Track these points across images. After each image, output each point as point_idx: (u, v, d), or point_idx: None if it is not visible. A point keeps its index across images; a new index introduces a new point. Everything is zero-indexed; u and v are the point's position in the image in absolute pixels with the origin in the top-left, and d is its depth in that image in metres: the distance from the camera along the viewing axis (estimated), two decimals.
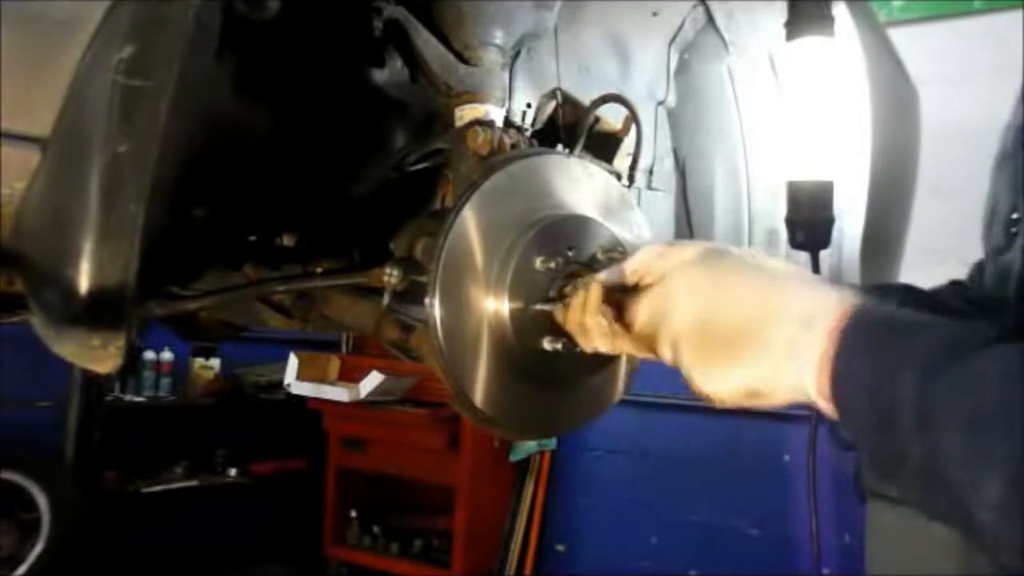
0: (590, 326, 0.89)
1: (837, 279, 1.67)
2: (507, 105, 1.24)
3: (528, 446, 4.42)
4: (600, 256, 1.00)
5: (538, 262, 0.98)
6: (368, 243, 1.26)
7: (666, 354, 0.80)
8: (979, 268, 0.99)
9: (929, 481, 0.61)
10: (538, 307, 0.97)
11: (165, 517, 4.61)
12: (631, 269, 0.87)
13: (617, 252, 1.01)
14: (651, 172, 1.59)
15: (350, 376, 4.52)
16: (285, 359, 4.49)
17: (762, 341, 0.72)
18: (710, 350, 0.75)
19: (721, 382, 0.75)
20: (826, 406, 0.69)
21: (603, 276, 0.90)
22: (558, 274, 0.98)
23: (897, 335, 0.65)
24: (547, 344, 0.96)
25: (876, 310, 0.69)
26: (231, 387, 5.13)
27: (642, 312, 0.83)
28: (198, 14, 0.91)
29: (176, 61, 0.89)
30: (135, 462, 4.66)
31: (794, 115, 1.55)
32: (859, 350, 0.66)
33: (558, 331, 0.96)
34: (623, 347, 0.88)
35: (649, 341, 0.83)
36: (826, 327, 0.68)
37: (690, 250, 0.82)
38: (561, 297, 0.97)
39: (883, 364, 0.64)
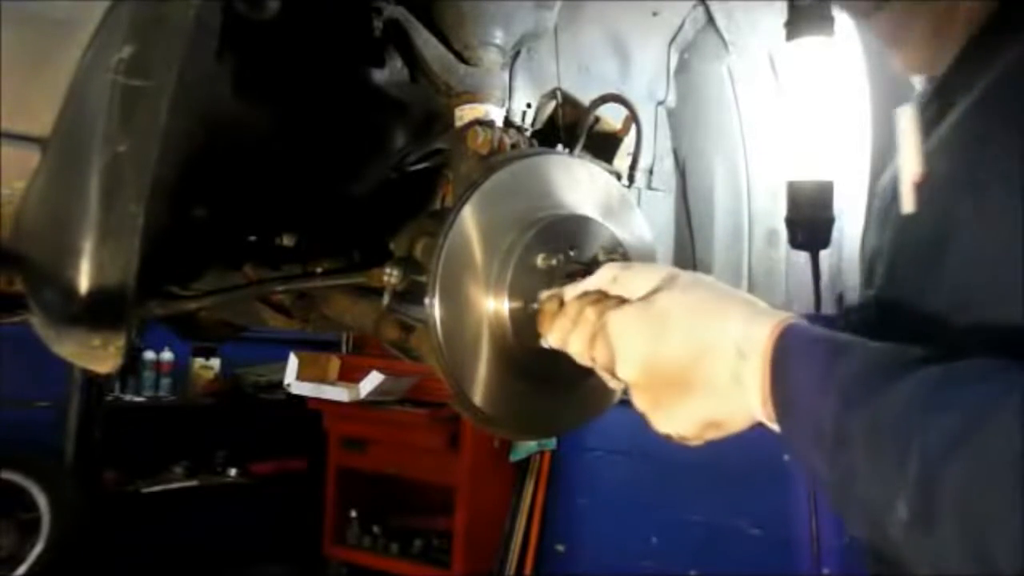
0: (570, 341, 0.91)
1: (836, 279, 1.67)
2: (507, 105, 1.24)
3: (528, 446, 4.42)
4: (601, 257, 1.00)
5: (539, 259, 0.98)
6: (368, 243, 1.26)
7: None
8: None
9: (847, 500, 0.65)
10: (535, 307, 0.97)
11: (165, 517, 4.61)
12: (585, 290, 0.90)
13: (617, 253, 1.01)
14: (651, 172, 1.60)
15: (350, 376, 4.52)
16: (285, 359, 4.49)
17: (706, 376, 0.75)
18: (659, 393, 0.78)
19: (678, 421, 0.78)
20: (771, 421, 0.72)
21: (567, 292, 0.92)
22: (558, 274, 0.98)
23: (819, 362, 0.68)
24: (544, 342, 0.96)
25: (802, 334, 0.72)
26: (231, 387, 5.14)
27: (597, 355, 0.86)
28: (198, 14, 0.91)
29: (176, 61, 0.89)
30: (135, 462, 4.66)
31: (794, 115, 1.55)
32: (790, 380, 0.70)
33: None
34: (599, 371, 0.90)
35: (613, 376, 0.86)
36: (760, 355, 0.71)
37: (640, 280, 0.83)
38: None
39: (810, 393, 0.68)
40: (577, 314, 0.89)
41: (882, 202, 0.89)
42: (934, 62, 0.82)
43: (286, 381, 4.45)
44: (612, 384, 0.90)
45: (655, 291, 0.81)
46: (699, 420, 0.76)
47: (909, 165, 0.78)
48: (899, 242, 0.81)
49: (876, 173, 0.90)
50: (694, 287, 0.80)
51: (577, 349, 0.89)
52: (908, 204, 0.78)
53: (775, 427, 0.72)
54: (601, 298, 0.88)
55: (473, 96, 1.17)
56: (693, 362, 0.75)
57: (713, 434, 0.77)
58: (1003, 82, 0.70)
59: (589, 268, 0.99)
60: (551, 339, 0.93)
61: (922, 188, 0.76)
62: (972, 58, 0.76)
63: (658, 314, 0.79)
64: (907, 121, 0.80)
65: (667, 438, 0.80)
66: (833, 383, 0.66)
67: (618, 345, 0.81)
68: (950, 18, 0.79)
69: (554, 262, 0.98)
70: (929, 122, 0.78)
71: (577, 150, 1.20)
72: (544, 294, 0.96)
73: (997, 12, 0.77)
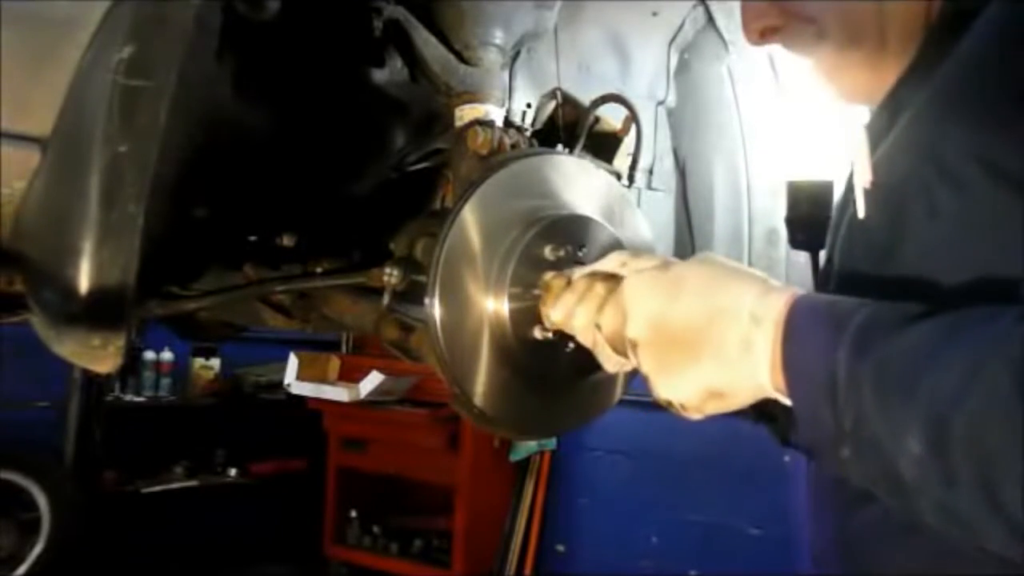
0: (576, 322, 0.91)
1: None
2: (507, 105, 1.24)
3: (528, 446, 4.42)
4: (597, 254, 1.00)
5: (547, 250, 0.98)
6: (368, 243, 1.26)
7: (632, 359, 0.82)
8: None
9: (860, 445, 0.65)
10: (537, 291, 0.97)
11: (165, 517, 4.61)
12: (594, 270, 0.91)
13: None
14: (651, 172, 1.60)
15: (350, 376, 4.52)
16: (285, 359, 4.48)
17: (716, 341, 0.74)
18: (666, 354, 0.78)
19: (681, 386, 0.77)
20: (778, 395, 0.72)
21: (575, 272, 0.93)
22: (564, 266, 0.98)
23: (831, 320, 0.69)
24: (538, 333, 0.96)
25: (815, 300, 0.73)
26: (231, 387, 5.13)
27: (605, 321, 0.86)
28: (198, 14, 0.91)
29: (176, 61, 0.89)
30: (135, 462, 4.66)
31: (794, 115, 1.55)
32: (801, 338, 0.70)
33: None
34: (601, 346, 0.89)
35: (617, 346, 0.86)
36: (773, 320, 0.72)
37: (648, 261, 0.85)
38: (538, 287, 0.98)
39: (821, 348, 0.68)
40: (586, 289, 0.90)
41: (836, 213, 0.93)
42: (873, 91, 0.86)
43: (286, 381, 4.45)
44: (612, 362, 0.89)
45: (669, 263, 0.82)
46: (703, 387, 0.76)
47: (861, 172, 0.81)
48: (849, 247, 0.85)
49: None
50: (709, 261, 0.81)
51: (582, 322, 0.89)
52: (860, 209, 0.81)
53: (781, 398, 0.72)
54: (611, 277, 0.88)
55: (473, 96, 1.17)
56: (705, 324, 0.75)
57: (714, 406, 0.77)
58: (942, 92, 0.74)
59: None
60: (554, 314, 0.93)
61: (873, 193, 0.80)
62: (913, 75, 0.81)
63: (674, 278, 0.80)
64: (857, 133, 0.84)
65: (667, 405, 0.79)
66: (844, 335, 0.66)
67: (630, 304, 0.81)
68: (884, 47, 0.84)
69: (563, 253, 0.98)
70: (879, 133, 0.82)
71: (577, 150, 1.20)
72: (549, 274, 0.96)
73: (931, 35, 0.81)
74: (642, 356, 0.80)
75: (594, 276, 0.91)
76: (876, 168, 0.80)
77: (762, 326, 0.72)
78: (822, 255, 1.52)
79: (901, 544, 0.75)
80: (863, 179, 0.81)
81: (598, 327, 0.88)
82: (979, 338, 0.60)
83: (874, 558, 0.79)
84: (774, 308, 0.72)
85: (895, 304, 0.67)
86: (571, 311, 0.91)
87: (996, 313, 0.61)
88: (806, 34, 0.88)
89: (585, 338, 0.91)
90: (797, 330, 0.71)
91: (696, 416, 0.78)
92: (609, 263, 0.90)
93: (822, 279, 0.93)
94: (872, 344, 0.65)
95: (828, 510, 0.87)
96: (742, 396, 0.75)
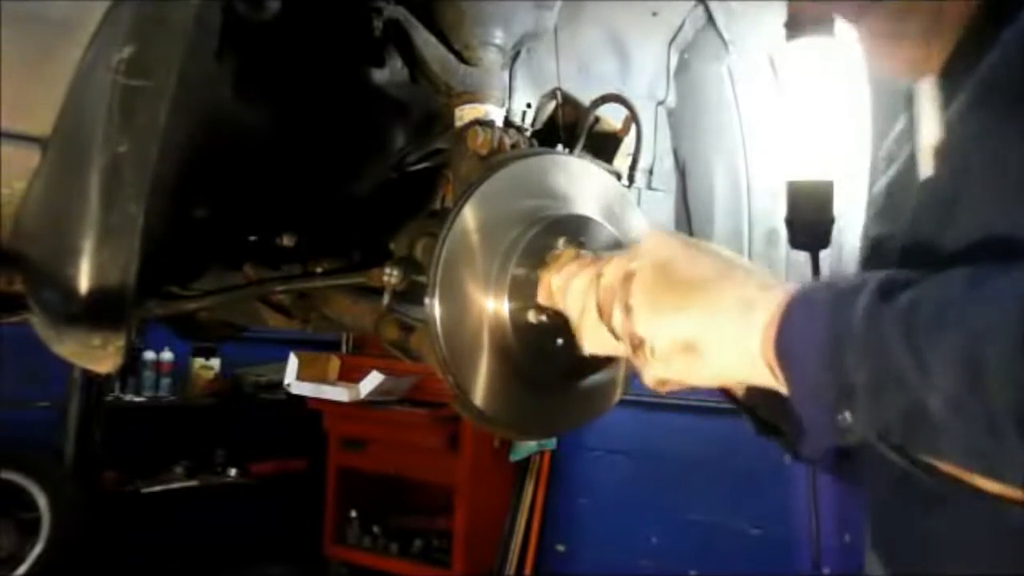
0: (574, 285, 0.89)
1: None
2: (507, 105, 1.24)
3: (528, 446, 4.42)
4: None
5: (560, 242, 0.98)
6: (368, 243, 1.26)
7: (616, 315, 0.79)
8: None
9: (880, 394, 0.62)
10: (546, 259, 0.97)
11: (165, 517, 4.61)
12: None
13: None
14: (651, 172, 1.59)
15: (350, 376, 4.52)
16: (285, 359, 4.48)
17: (715, 294, 0.72)
18: (660, 292, 0.75)
19: (660, 327, 0.74)
20: (762, 370, 0.69)
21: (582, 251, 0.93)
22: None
23: (846, 285, 0.66)
24: (532, 317, 0.96)
25: (833, 278, 0.72)
26: (231, 387, 5.13)
27: (608, 271, 0.83)
28: (198, 14, 0.91)
29: (176, 61, 0.89)
30: (135, 462, 4.66)
31: (794, 115, 1.55)
32: (808, 302, 0.67)
33: (544, 306, 0.96)
34: (588, 311, 0.87)
35: (608, 306, 0.82)
36: (783, 289, 0.69)
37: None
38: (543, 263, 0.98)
39: (831, 307, 0.65)
40: (593, 260, 0.89)
41: (889, 180, 0.89)
42: (928, 61, 0.82)
43: (286, 381, 4.45)
44: (591, 336, 0.87)
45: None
46: (681, 334, 0.72)
47: (928, 132, 0.77)
48: (916, 210, 0.80)
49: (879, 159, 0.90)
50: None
51: (582, 283, 0.88)
52: (926, 169, 0.77)
53: (761, 377, 0.69)
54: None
55: (473, 96, 1.17)
56: (710, 278, 0.73)
57: (682, 362, 0.72)
58: (1004, 61, 0.70)
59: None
60: (555, 280, 0.93)
61: (939, 155, 0.76)
62: (970, 46, 0.76)
63: (694, 242, 0.79)
64: (927, 92, 0.80)
65: (636, 347, 0.75)
66: (864, 290, 0.63)
67: (642, 248, 0.79)
68: (941, 14, 0.80)
69: (576, 245, 0.98)
70: (939, 107, 0.79)
71: (577, 150, 1.20)
72: (561, 241, 0.97)
73: (987, 2, 0.77)
74: (634, 287, 0.77)
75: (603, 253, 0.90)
76: (948, 127, 0.76)
77: (769, 292, 0.69)
78: (823, 255, 1.52)
79: (983, 545, 0.71)
80: (931, 137, 0.77)
81: (598, 279, 0.85)
82: (1016, 280, 0.57)
83: (953, 558, 0.74)
84: (786, 284, 0.70)
85: (908, 272, 0.64)
86: (574, 274, 0.89)
87: (1016, 265, 0.58)
88: None
89: (575, 303, 0.88)
90: (805, 296, 0.68)
91: (658, 373, 0.75)
92: (620, 252, 0.87)
93: (871, 253, 0.89)
94: (897, 290, 0.62)
95: (895, 511, 0.81)
96: (718, 358, 0.71)
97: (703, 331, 0.71)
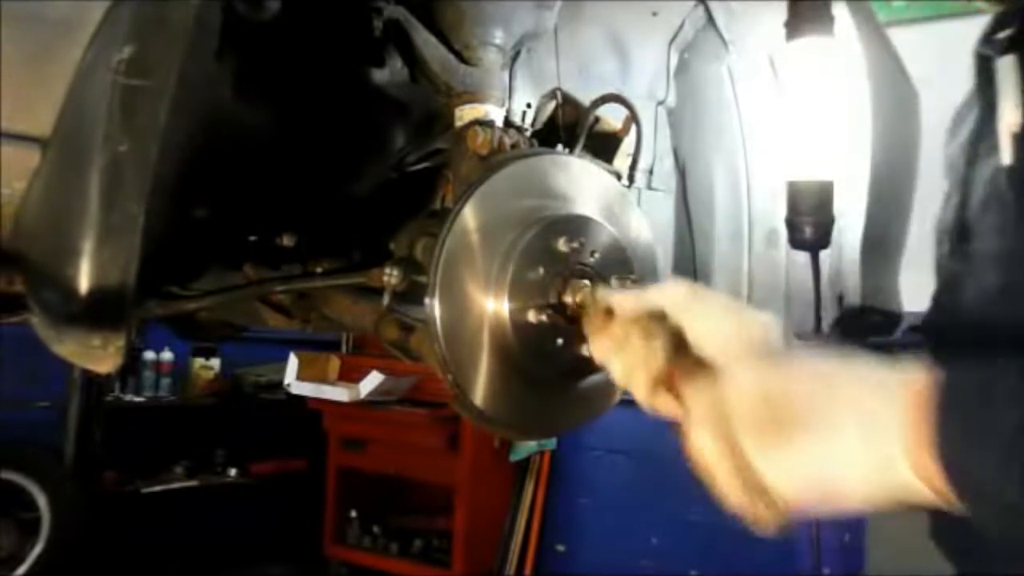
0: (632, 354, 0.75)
1: (836, 279, 1.67)
2: (507, 105, 1.24)
3: (528, 446, 4.42)
4: (614, 283, 1.00)
5: (561, 242, 0.98)
6: (368, 243, 1.26)
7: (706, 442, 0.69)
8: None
9: None
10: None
11: (165, 517, 4.61)
12: (657, 304, 0.75)
13: (628, 279, 1.01)
14: (651, 172, 1.59)
15: (350, 376, 4.53)
16: (285, 359, 4.49)
17: (834, 414, 0.62)
18: (770, 428, 0.64)
19: (785, 467, 0.64)
20: (923, 481, 0.59)
21: (629, 305, 0.79)
22: (572, 260, 0.98)
23: (980, 373, 0.58)
24: (532, 317, 0.96)
25: (954, 367, 0.60)
26: (231, 387, 5.14)
27: (696, 402, 0.70)
28: (198, 14, 0.91)
29: (176, 61, 0.89)
30: (135, 462, 4.66)
31: (794, 115, 1.55)
32: (954, 399, 0.58)
33: (544, 306, 0.96)
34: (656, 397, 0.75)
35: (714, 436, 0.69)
36: (912, 390, 0.59)
37: (715, 300, 0.73)
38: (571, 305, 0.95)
39: (990, 396, 0.57)
40: (636, 335, 0.74)
41: (966, 163, 0.84)
42: None
43: (286, 381, 4.45)
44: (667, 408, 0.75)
45: (765, 334, 0.68)
46: (812, 471, 0.62)
47: (1008, 115, 0.74)
48: (990, 198, 0.76)
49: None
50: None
51: (637, 378, 0.74)
52: (1006, 155, 0.74)
53: (916, 488, 0.59)
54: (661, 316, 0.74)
55: (473, 96, 1.17)
56: (821, 398, 0.63)
57: (825, 497, 0.62)
58: None
59: (588, 267, 1.00)
60: (596, 351, 0.82)
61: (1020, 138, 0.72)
62: None
63: (782, 355, 0.67)
64: (1007, 70, 0.76)
65: (770, 504, 0.65)
66: (1008, 373, 0.56)
67: (725, 375, 0.67)
68: None
69: (576, 245, 0.98)
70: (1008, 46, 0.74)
71: (577, 150, 1.20)
72: (584, 290, 0.92)
73: None
74: (744, 433, 0.66)
75: (644, 316, 0.76)
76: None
77: (895, 396, 0.59)
78: (823, 255, 1.52)
79: None
80: (1011, 123, 0.73)
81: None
82: None
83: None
84: (906, 373, 0.60)
85: None
86: (621, 352, 0.76)
87: None
88: None
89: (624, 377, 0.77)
90: (946, 394, 0.58)
91: (794, 512, 0.65)
92: (663, 296, 0.76)
93: (958, 234, 0.83)
94: None
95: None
96: (860, 483, 0.61)
97: (833, 456, 0.62)
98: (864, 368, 0.63)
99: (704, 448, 0.68)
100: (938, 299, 0.91)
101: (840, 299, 1.69)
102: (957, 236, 0.85)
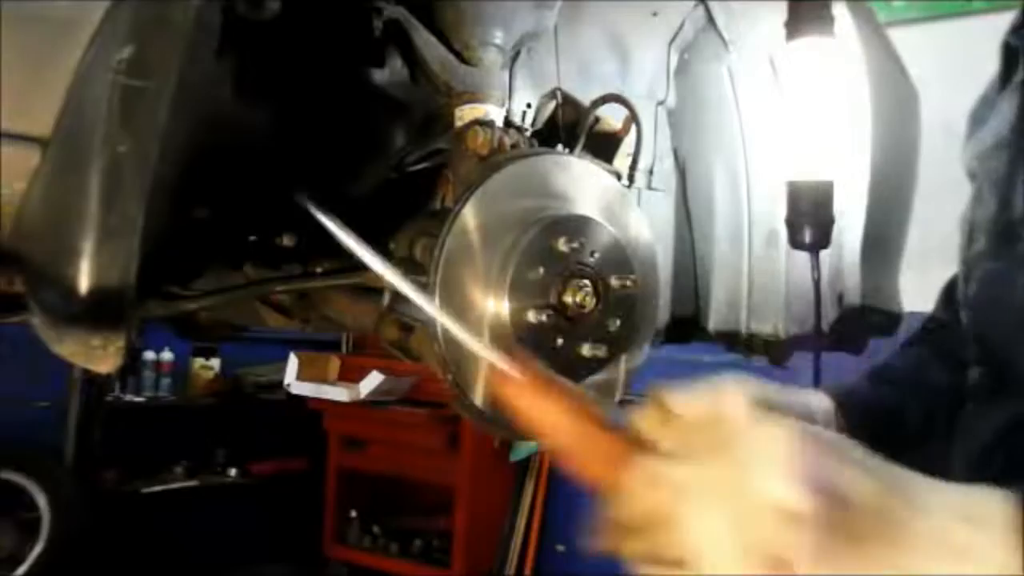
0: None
1: (836, 279, 1.67)
2: (507, 105, 1.24)
3: (528, 446, 4.41)
4: (614, 282, 1.00)
5: (561, 242, 0.98)
6: (368, 243, 1.25)
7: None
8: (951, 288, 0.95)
9: None
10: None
11: (165, 517, 4.61)
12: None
13: (629, 279, 1.01)
14: (651, 172, 1.59)
15: (350, 376, 4.53)
16: (285, 359, 4.49)
17: (912, 540, 0.56)
18: (837, 549, 0.56)
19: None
20: None
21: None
22: (559, 273, 0.98)
23: None
24: (532, 317, 0.96)
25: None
26: (231, 387, 5.13)
27: (751, 518, 0.59)
28: (198, 14, 0.91)
29: (176, 61, 0.89)
30: (135, 462, 4.66)
31: (794, 115, 1.55)
32: None
33: (544, 306, 0.96)
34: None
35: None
36: (998, 521, 0.55)
37: (742, 407, 0.64)
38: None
39: None
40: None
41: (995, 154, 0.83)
42: None
43: (286, 381, 4.45)
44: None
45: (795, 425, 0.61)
46: None
47: None
48: None
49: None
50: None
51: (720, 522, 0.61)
52: None
53: None
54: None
55: (473, 96, 1.17)
56: (895, 511, 0.56)
57: None
58: None
59: (587, 266, 1.00)
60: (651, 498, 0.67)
61: None
62: None
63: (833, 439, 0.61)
64: None
65: None
66: None
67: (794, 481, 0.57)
68: None
69: (576, 245, 0.98)
70: None
71: (577, 150, 1.20)
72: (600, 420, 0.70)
73: None
74: (801, 557, 0.56)
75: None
76: None
77: (982, 528, 0.55)
78: (823, 255, 1.52)
79: None
80: None
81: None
82: None
83: None
84: (990, 503, 0.56)
85: None
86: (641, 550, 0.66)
87: None
88: None
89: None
90: None
91: None
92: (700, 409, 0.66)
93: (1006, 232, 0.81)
94: None
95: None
96: None
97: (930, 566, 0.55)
98: (927, 483, 0.59)
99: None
100: (979, 297, 0.88)
101: (840, 299, 1.69)
102: (1004, 236, 0.83)
